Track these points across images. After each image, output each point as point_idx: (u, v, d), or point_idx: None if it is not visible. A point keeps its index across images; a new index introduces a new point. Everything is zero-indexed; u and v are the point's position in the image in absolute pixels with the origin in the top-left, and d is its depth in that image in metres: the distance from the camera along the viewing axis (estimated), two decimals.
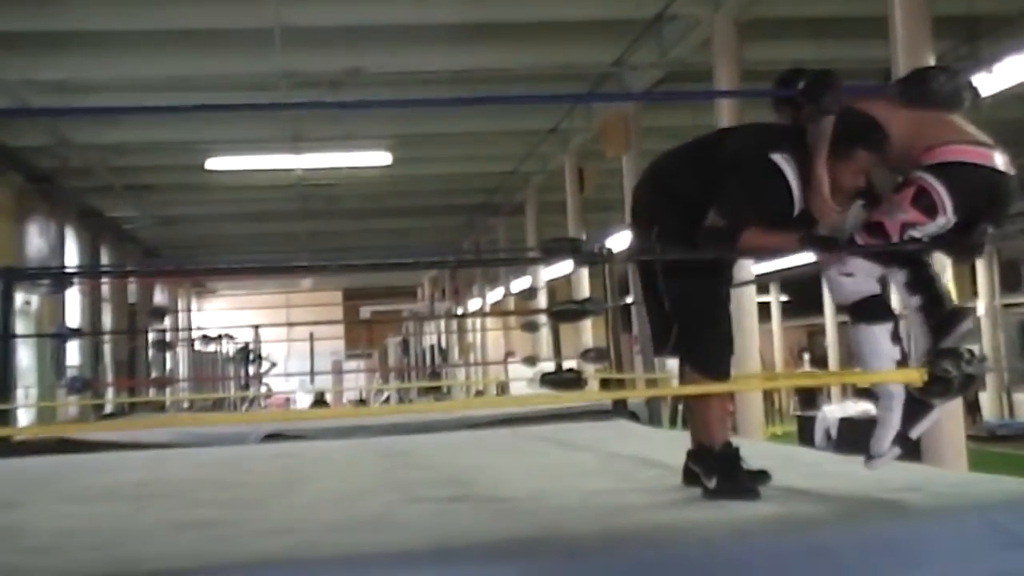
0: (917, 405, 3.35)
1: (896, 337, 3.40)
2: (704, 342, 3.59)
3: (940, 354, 3.24)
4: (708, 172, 3.54)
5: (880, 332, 3.39)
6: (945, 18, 8.37)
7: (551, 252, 6.37)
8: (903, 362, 3.39)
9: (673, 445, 3.87)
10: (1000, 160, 3.35)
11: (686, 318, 3.57)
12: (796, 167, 3.44)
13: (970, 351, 3.31)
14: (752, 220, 3.41)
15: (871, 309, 3.41)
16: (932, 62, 6.37)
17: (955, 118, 3.45)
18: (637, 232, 3.86)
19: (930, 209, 3.27)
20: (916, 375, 3.24)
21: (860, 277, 3.43)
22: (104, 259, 19.50)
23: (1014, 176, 3.37)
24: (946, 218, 3.28)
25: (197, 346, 22.99)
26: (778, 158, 3.44)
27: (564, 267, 16.16)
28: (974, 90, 3.37)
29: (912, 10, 6.50)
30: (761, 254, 3.68)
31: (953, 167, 3.30)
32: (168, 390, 19.99)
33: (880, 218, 3.36)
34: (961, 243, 3.42)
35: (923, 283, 3.48)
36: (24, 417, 13.71)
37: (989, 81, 8.32)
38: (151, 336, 18.19)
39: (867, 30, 8.49)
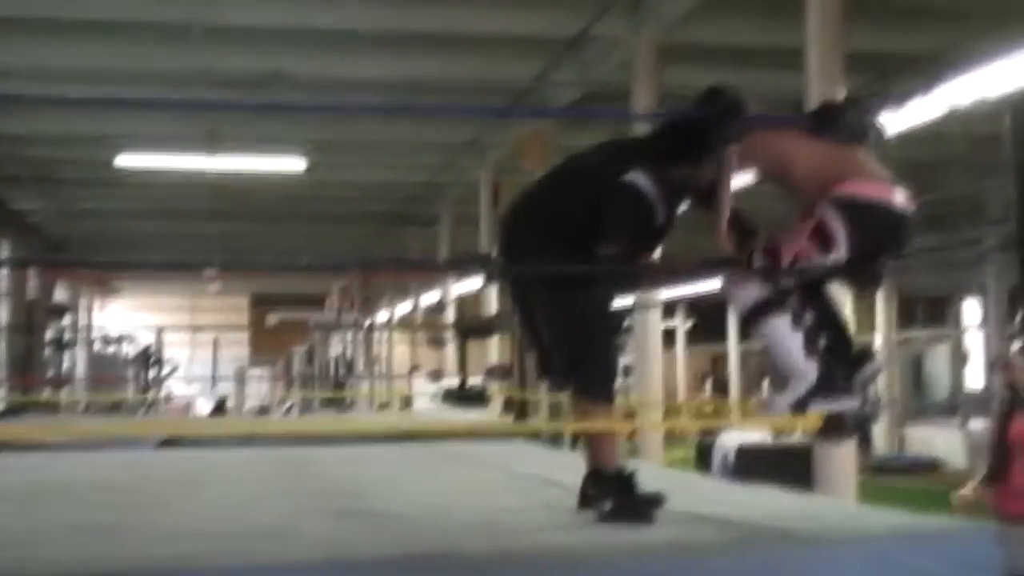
0: (828, 388, 3.37)
1: (797, 324, 3.42)
2: (589, 368, 3.60)
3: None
4: (578, 198, 3.61)
5: (779, 322, 3.41)
6: (859, 54, 8.54)
7: (461, 266, 6.37)
8: (809, 345, 3.41)
9: (574, 466, 3.87)
10: (901, 198, 3.43)
11: (571, 344, 3.58)
12: (652, 180, 3.51)
13: (864, 392, 3.38)
14: (636, 244, 3.49)
15: (766, 305, 3.43)
16: (843, 95, 6.49)
17: (860, 153, 3.51)
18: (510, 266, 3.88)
19: (825, 245, 3.34)
20: (813, 418, 3.29)
21: (752, 286, 3.46)
22: (4, 252, 18.96)
23: (913, 214, 3.44)
24: (837, 255, 3.33)
25: (97, 346, 22.51)
26: (632, 177, 3.51)
27: (474, 282, 16.15)
28: (880, 126, 3.45)
29: (826, 44, 6.64)
30: (661, 282, 3.72)
31: (856, 204, 3.36)
32: (64, 391, 19.54)
33: (776, 244, 3.40)
34: (860, 274, 3.48)
35: (829, 322, 3.53)
36: None
37: (898, 118, 8.53)
38: (48, 334, 17.77)
39: (784, 60, 8.62)
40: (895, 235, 3.47)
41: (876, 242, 3.43)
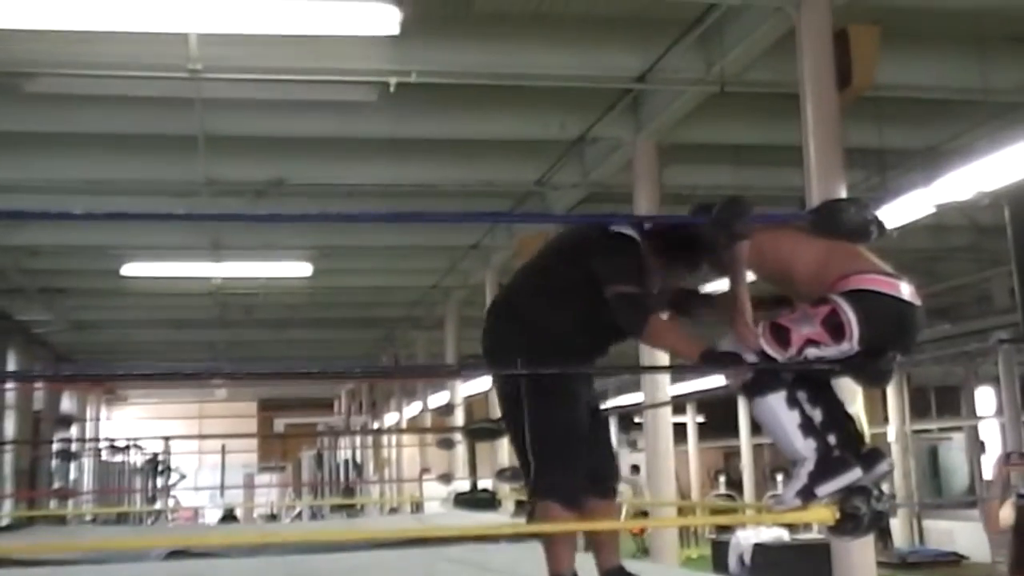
0: (828, 467, 3.31)
1: (792, 402, 3.37)
2: (550, 469, 3.60)
3: (850, 491, 3.25)
4: (568, 259, 3.71)
5: (774, 401, 3.36)
6: (858, 149, 8.64)
7: (469, 368, 6.34)
8: (807, 425, 3.36)
9: (585, 568, 3.79)
10: (908, 291, 3.41)
11: (539, 445, 3.58)
12: (644, 240, 3.63)
13: (879, 488, 3.33)
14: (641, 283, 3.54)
15: (760, 382, 3.38)
16: (844, 191, 6.52)
17: (862, 249, 3.51)
18: (497, 369, 3.93)
19: (837, 332, 3.30)
20: (828, 514, 3.24)
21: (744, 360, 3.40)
22: (11, 364, 18.96)
23: (920, 307, 3.42)
24: (850, 345, 3.30)
25: (104, 456, 22.37)
26: (621, 227, 3.65)
27: (482, 384, 16.07)
28: (880, 223, 3.46)
29: (825, 141, 6.68)
30: (662, 345, 3.68)
31: (865, 296, 3.33)
32: (70, 502, 19.37)
33: (787, 323, 3.37)
34: (870, 369, 3.44)
35: (836, 419, 3.48)
36: None
37: (897, 212, 8.59)
38: (55, 446, 17.66)
39: (783, 158, 8.71)
40: (906, 327, 3.43)
41: (886, 334, 3.39)
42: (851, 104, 6.91)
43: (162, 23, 7.21)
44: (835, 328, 3.30)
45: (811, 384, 3.47)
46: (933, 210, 8.71)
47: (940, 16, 8.04)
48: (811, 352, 3.31)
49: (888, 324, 3.38)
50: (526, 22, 8.05)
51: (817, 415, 3.42)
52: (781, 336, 3.34)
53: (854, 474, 3.31)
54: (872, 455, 3.43)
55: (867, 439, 6.29)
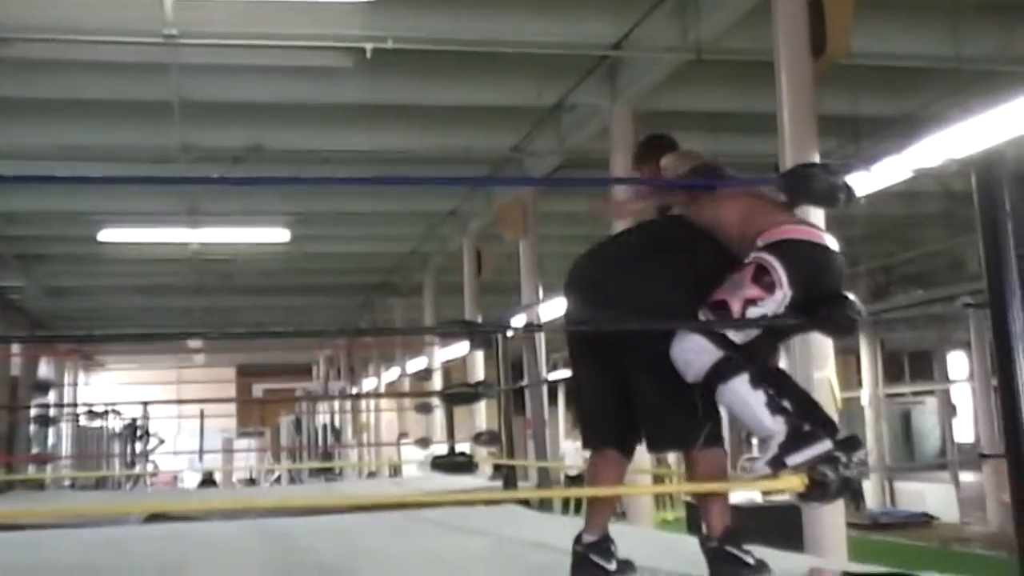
0: (798, 439, 3.36)
1: (756, 381, 3.39)
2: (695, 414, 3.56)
3: (818, 459, 3.32)
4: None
5: (738, 384, 3.38)
6: (832, 117, 8.69)
7: (446, 332, 6.42)
8: (772, 403, 3.38)
9: (564, 530, 3.87)
10: (826, 238, 3.55)
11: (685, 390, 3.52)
12: None
13: (847, 455, 3.39)
14: None
15: (722, 369, 3.40)
16: (817, 158, 6.59)
17: (782, 204, 3.66)
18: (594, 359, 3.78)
19: (769, 285, 3.39)
20: (796, 481, 3.31)
21: (700, 351, 3.44)
22: None
23: (840, 253, 3.55)
24: (783, 292, 3.39)
25: (82, 422, 22.34)
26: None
27: (459, 349, 16.15)
28: (849, 188, 3.53)
29: (799, 108, 6.74)
30: None
31: (786, 244, 3.45)
32: (49, 467, 19.37)
33: (722, 296, 3.43)
34: (835, 317, 3.51)
35: (788, 391, 3.52)
36: None
37: (870, 178, 8.66)
38: (33, 411, 17.64)
39: (759, 126, 8.76)
40: (828, 268, 3.54)
41: (813, 275, 3.49)
42: (825, 72, 6.96)
43: None
44: (765, 281, 3.39)
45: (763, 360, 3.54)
46: (906, 177, 8.79)
47: None
48: (753, 312, 3.39)
49: (811, 266, 3.48)
50: None
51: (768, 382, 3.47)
52: (722, 310, 3.41)
53: (824, 445, 3.38)
54: (850, 442, 3.49)
55: (839, 402, 6.43)
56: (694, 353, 3.42)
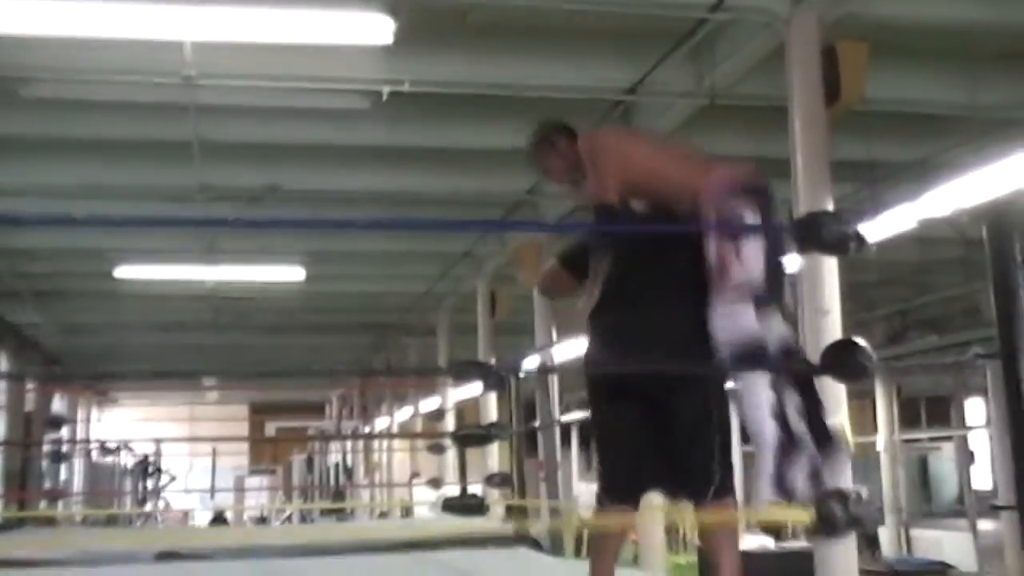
0: (789, 451, 3.39)
1: (775, 387, 3.44)
2: (725, 460, 3.67)
3: (827, 495, 3.31)
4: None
5: (760, 379, 3.43)
6: (846, 163, 8.72)
7: (460, 374, 6.40)
8: (779, 411, 3.42)
9: (571, 574, 3.85)
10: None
11: (720, 432, 3.63)
12: None
13: (857, 492, 3.38)
14: None
15: (751, 356, 3.47)
16: (831, 204, 6.61)
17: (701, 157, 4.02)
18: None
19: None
20: (804, 515, 3.29)
21: (743, 314, 3.53)
22: (2, 366, 18.98)
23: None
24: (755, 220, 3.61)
25: (95, 457, 22.38)
26: None
27: (473, 390, 16.12)
28: (861, 236, 3.54)
29: (813, 154, 6.75)
30: None
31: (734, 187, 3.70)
32: (61, 503, 19.40)
33: (719, 255, 3.57)
34: (844, 364, 3.51)
35: (810, 411, 3.54)
36: None
37: (885, 224, 8.68)
38: (46, 447, 17.66)
39: (774, 171, 8.75)
40: (767, 195, 3.74)
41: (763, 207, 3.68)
42: (839, 118, 6.99)
43: (158, 31, 7.27)
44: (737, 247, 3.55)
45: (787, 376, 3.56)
46: (919, 224, 8.80)
47: (930, 32, 8.12)
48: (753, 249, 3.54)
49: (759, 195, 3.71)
50: (519, 33, 8.13)
51: (792, 403, 3.48)
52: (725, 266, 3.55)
53: (813, 455, 3.38)
54: (832, 442, 3.50)
55: (851, 448, 6.39)
56: (734, 317, 3.51)
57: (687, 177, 3.74)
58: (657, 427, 3.62)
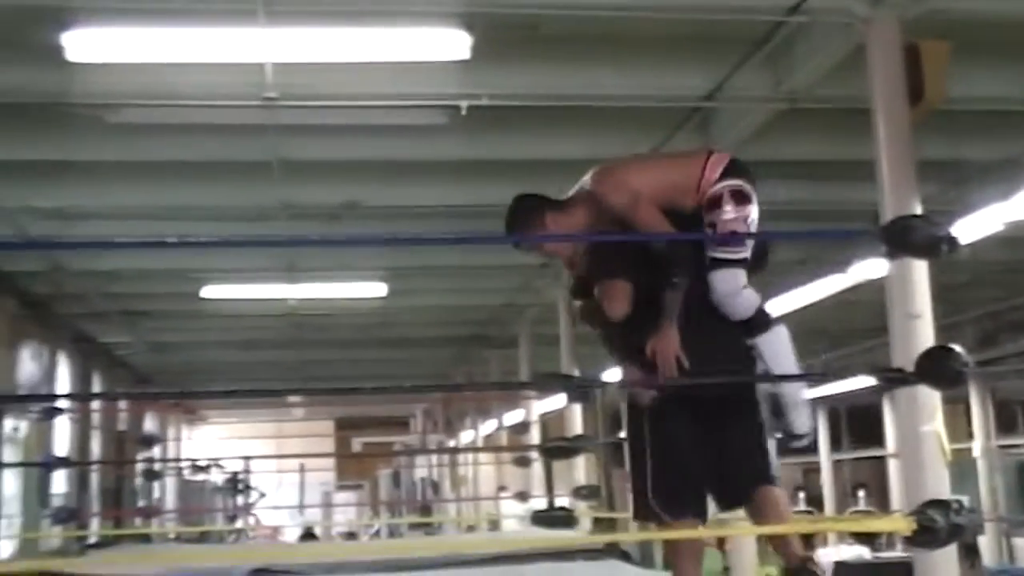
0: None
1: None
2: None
3: (928, 503, 3.24)
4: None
5: (783, 330, 3.88)
6: (931, 163, 8.53)
7: (543, 386, 6.40)
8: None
9: None
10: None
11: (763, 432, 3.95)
12: None
13: (959, 501, 3.31)
14: None
15: (767, 317, 3.90)
16: (918, 206, 6.47)
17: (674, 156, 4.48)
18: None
19: (742, 199, 4.04)
20: (904, 524, 3.22)
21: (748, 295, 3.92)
22: (95, 386, 19.43)
23: None
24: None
25: (186, 475, 22.74)
26: None
27: (557, 401, 16.09)
28: (952, 239, 3.46)
29: (898, 156, 6.62)
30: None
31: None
32: (154, 521, 19.73)
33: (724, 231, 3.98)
34: (938, 371, 3.53)
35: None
36: (6, 548, 13.48)
37: (973, 225, 8.48)
38: (139, 465, 18.01)
39: (855, 173, 8.63)
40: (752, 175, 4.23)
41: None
42: (923, 119, 6.85)
43: (238, 54, 7.40)
44: (741, 199, 4.04)
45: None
46: (1008, 225, 8.58)
47: (1014, 28, 7.92)
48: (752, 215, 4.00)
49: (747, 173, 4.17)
50: (593, 43, 8.09)
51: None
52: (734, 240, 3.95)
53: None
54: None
55: (949, 455, 6.25)
56: (741, 296, 3.85)
57: (687, 176, 4.10)
58: (709, 438, 3.83)
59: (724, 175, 4.08)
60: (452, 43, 7.16)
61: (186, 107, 8.52)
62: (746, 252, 3.98)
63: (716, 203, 4.02)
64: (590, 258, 4.00)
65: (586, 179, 4.25)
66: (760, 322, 3.90)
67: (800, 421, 3.88)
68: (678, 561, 3.81)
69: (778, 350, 3.82)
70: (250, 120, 8.75)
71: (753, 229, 4.03)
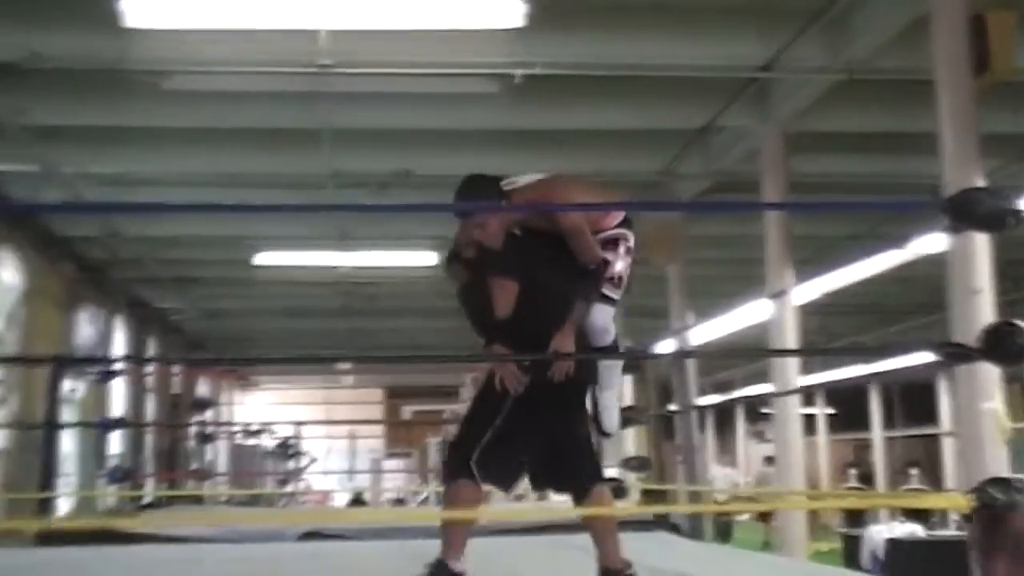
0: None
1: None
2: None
3: (989, 481, 3.19)
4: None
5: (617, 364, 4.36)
6: (994, 136, 8.35)
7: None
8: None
9: (713, 559, 3.79)
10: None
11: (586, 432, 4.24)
12: None
13: (1019, 479, 3.26)
14: None
15: (614, 346, 4.36)
16: (981, 179, 6.33)
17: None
18: None
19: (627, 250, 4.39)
20: (963, 501, 3.18)
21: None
22: (150, 350, 19.69)
23: None
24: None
25: (238, 439, 23.01)
26: None
27: None
28: (1018, 212, 3.39)
29: (961, 128, 6.47)
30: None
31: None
32: (206, 483, 20.02)
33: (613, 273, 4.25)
34: (1000, 347, 3.44)
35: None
36: (64, 505, 13.72)
37: None
38: (193, 428, 18.24)
39: (914, 146, 8.49)
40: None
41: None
42: (987, 90, 6.69)
43: (293, 20, 7.39)
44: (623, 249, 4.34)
45: None
46: None
47: None
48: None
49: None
50: (647, 12, 7.99)
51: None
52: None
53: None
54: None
55: (1008, 433, 6.14)
56: (608, 331, 4.27)
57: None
58: (550, 422, 4.08)
59: (622, 224, 4.40)
60: (507, 10, 7.10)
61: (240, 74, 8.54)
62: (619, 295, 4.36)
63: (614, 244, 4.32)
64: (491, 252, 4.05)
65: (534, 179, 4.27)
66: (610, 350, 4.33)
67: (611, 423, 4.22)
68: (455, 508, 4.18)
69: (612, 369, 4.27)
70: (303, 87, 8.76)
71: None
